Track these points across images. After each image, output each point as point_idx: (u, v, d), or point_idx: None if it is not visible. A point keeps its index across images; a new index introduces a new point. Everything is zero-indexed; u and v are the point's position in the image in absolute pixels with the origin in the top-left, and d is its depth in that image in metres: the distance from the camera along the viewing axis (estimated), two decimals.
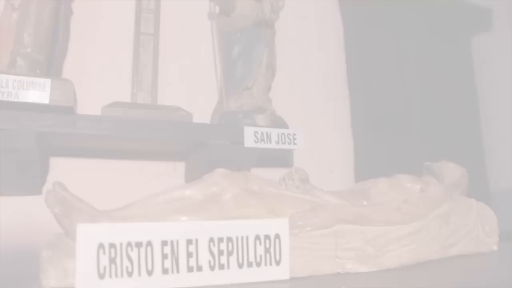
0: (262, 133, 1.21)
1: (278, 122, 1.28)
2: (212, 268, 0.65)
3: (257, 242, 0.68)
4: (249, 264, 0.67)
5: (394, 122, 2.12)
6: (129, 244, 0.58)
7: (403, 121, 2.14)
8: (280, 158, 1.50)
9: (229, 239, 0.65)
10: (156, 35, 1.31)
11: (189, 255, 0.62)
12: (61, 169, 1.23)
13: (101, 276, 0.57)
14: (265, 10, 1.34)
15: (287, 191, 0.78)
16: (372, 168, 1.89)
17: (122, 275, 0.59)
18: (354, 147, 1.76)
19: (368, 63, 2.07)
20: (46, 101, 0.98)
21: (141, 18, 1.30)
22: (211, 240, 0.64)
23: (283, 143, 1.25)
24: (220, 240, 0.64)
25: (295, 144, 1.27)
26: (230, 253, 0.66)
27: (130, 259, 0.58)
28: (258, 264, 0.68)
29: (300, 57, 1.68)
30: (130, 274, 0.59)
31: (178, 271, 0.62)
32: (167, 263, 0.61)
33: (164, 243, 0.60)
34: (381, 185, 0.96)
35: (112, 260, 0.57)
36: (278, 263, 0.70)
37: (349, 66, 1.84)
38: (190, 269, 0.63)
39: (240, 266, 0.67)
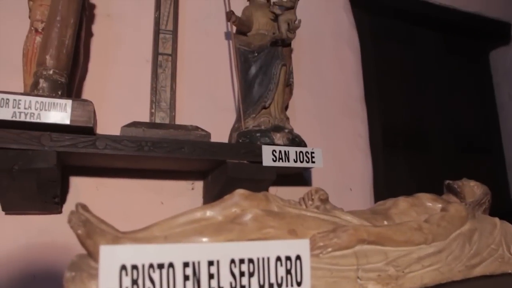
0: (280, 152, 1.21)
1: (296, 141, 1.28)
2: None
3: (278, 263, 0.67)
4: (271, 286, 0.67)
5: (413, 139, 2.11)
6: (151, 265, 0.58)
7: (422, 138, 2.13)
8: (299, 177, 1.50)
9: (251, 261, 0.65)
10: (174, 56, 1.32)
11: (211, 276, 0.62)
12: (81, 188, 1.25)
13: None
14: (282, 29, 1.35)
15: (307, 212, 0.78)
16: (391, 186, 1.88)
17: None
18: (373, 164, 1.74)
19: (386, 80, 2.07)
20: (67, 121, 0.99)
21: (159, 39, 1.32)
22: (233, 261, 0.63)
23: (301, 162, 1.24)
24: (242, 261, 0.64)
25: (313, 162, 1.26)
26: (251, 275, 0.65)
27: (152, 281, 0.58)
28: (280, 286, 0.67)
29: (317, 75, 1.68)
30: None
31: None
32: (189, 285, 0.61)
33: (186, 264, 0.60)
34: (402, 204, 0.94)
35: (134, 282, 0.57)
36: (299, 284, 0.69)
37: (366, 83, 1.83)
38: None
39: (262, 287, 0.66)
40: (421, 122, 2.17)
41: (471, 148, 2.26)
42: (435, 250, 0.87)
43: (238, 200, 0.70)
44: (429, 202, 0.98)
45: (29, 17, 1.15)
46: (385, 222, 0.89)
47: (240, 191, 0.72)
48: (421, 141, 2.15)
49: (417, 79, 2.23)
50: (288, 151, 1.23)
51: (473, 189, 1.05)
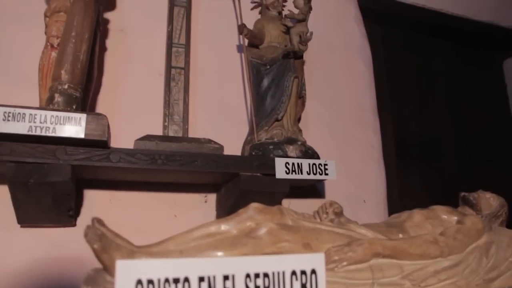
0: (293, 164, 1.21)
1: (309, 153, 1.28)
2: None
3: (294, 277, 0.67)
4: None
5: (427, 149, 2.09)
6: (166, 280, 0.58)
7: (435, 149, 2.11)
8: (312, 189, 1.49)
9: (266, 275, 0.64)
10: (187, 69, 1.33)
11: None
12: (95, 201, 1.26)
13: None
14: (294, 41, 1.35)
15: (321, 225, 0.77)
16: (404, 197, 1.86)
17: None
18: (386, 176, 1.73)
19: (398, 90, 2.06)
20: (81, 135, 1.00)
21: (172, 52, 1.33)
22: (248, 275, 0.63)
23: (315, 174, 1.24)
24: (257, 275, 0.63)
25: (326, 174, 1.26)
26: None
27: None
28: None
29: (329, 87, 1.68)
30: None
31: None
32: None
33: (201, 279, 0.60)
34: (417, 217, 0.94)
35: None
36: None
37: (378, 93, 1.83)
38: None
39: None
40: (434, 132, 2.15)
41: (486, 159, 2.24)
42: (452, 263, 0.86)
43: (253, 214, 0.70)
44: (444, 215, 0.97)
45: (45, 33, 1.17)
46: (400, 235, 0.88)
47: (254, 205, 0.72)
48: (435, 151, 2.13)
49: (429, 89, 2.22)
50: (301, 164, 1.22)
51: (489, 201, 1.04)
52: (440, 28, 2.26)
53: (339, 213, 0.83)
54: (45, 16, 1.18)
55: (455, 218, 0.96)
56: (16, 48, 1.29)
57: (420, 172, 2.04)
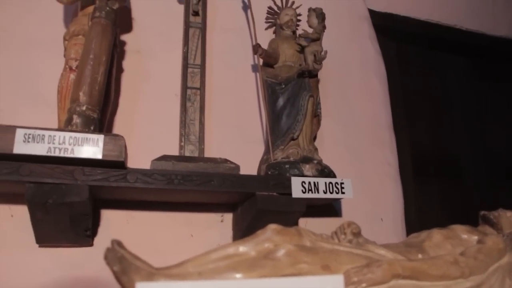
0: (309, 183, 1.21)
1: (325, 171, 1.27)
2: None
3: None
4: None
5: (444, 166, 2.07)
6: None
7: (454, 165, 2.09)
8: (328, 207, 1.48)
9: None
10: (202, 89, 1.34)
11: None
12: (112, 221, 1.26)
13: None
14: (308, 60, 1.36)
15: (340, 246, 0.76)
16: (422, 215, 1.84)
17: None
18: (404, 193, 1.71)
19: (414, 107, 2.05)
20: (99, 156, 1.01)
21: (188, 73, 1.35)
22: None
23: (331, 193, 1.23)
24: None
25: (343, 193, 1.25)
26: None
27: None
28: None
29: (345, 105, 1.68)
30: None
31: None
32: None
33: None
34: (436, 236, 0.92)
35: None
36: None
37: (394, 110, 1.82)
38: None
39: None
40: (452, 148, 2.13)
41: (507, 175, 2.20)
42: (473, 284, 0.84)
43: (271, 235, 0.70)
44: (464, 234, 0.95)
45: (64, 55, 1.19)
46: (420, 256, 0.86)
47: (272, 226, 0.71)
48: (453, 168, 2.10)
49: (446, 105, 2.21)
50: (317, 183, 1.22)
51: (510, 219, 1.02)
52: (456, 43, 2.25)
53: (357, 234, 0.82)
54: (64, 39, 1.21)
55: (476, 237, 0.94)
56: (35, 70, 1.31)
57: (438, 189, 2.01)
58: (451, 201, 2.00)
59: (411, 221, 1.72)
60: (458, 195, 2.02)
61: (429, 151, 2.08)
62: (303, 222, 1.42)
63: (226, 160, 1.23)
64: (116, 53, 1.24)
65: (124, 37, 1.43)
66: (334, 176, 1.29)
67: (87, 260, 1.19)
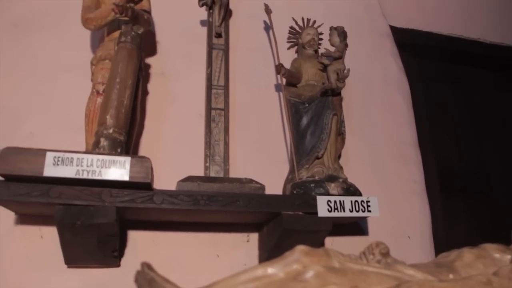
0: (335, 202, 1.20)
1: (351, 190, 1.26)
2: None
3: None
4: None
5: (472, 181, 2.03)
6: None
7: (482, 180, 2.05)
8: (355, 226, 1.46)
9: None
10: (226, 110, 1.36)
11: None
12: (138, 242, 1.27)
13: None
14: (331, 79, 1.36)
15: (369, 267, 0.75)
16: (451, 232, 1.80)
17: None
18: (431, 210, 1.68)
19: (439, 122, 2.03)
20: (126, 178, 1.03)
21: (212, 94, 1.36)
22: None
23: (357, 211, 1.22)
24: None
25: (369, 211, 1.24)
26: None
27: None
28: None
29: (369, 122, 1.68)
30: None
31: None
32: None
33: None
34: (467, 256, 0.90)
35: None
36: None
37: (419, 126, 1.80)
38: None
39: None
40: (479, 163, 2.09)
41: None
42: None
43: (299, 257, 0.69)
44: (496, 253, 0.92)
45: (91, 80, 1.22)
46: (451, 276, 0.84)
47: (300, 247, 0.71)
48: (481, 183, 2.06)
49: (471, 119, 2.17)
50: (343, 201, 1.21)
51: None
52: (479, 57, 2.22)
53: (386, 254, 0.80)
54: (91, 64, 1.24)
55: (509, 257, 0.91)
56: (64, 95, 1.35)
57: (466, 205, 1.97)
58: (480, 217, 1.95)
59: (440, 238, 1.68)
60: (487, 211, 1.98)
61: (456, 167, 2.05)
62: (329, 241, 1.41)
63: (251, 180, 1.23)
64: (141, 76, 1.26)
65: (149, 60, 1.46)
66: (360, 195, 1.27)
67: (114, 281, 1.20)
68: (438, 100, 2.11)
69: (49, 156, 0.99)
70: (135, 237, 1.27)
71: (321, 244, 1.36)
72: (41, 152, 0.99)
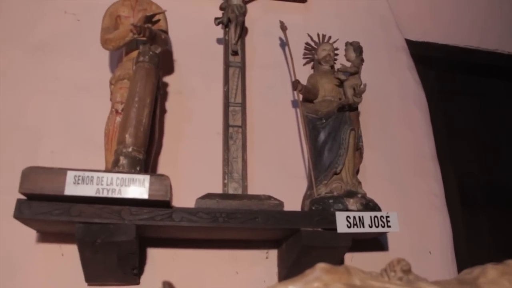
0: (354, 218, 1.19)
1: (370, 205, 1.25)
2: None
3: None
4: None
5: (494, 194, 1.99)
6: None
7: (503, 193, 2.01)
8: (374, 241, 1.45)
9: None
10: (244, 127, 1.36)
11: None
12: (158, 259, 1.28)
13: None
14: (348, 94, 1.36)
15: (390, 284, 0.74)
16: (473, 247, 1.77)
17: None
18: (452, 224, 1.65)
19: (458, 135, 2.01)
20: (145, 196, 1.03)
21: (229, 111, 1.37)
22: None
23: (377, 227, 1.21)
24: None
25: (389, 226, 1.22)
26: None
27: None
28: None
29: (386, 136, 1.67)
30: None
31: None
32: None
33: None
34: (491, 272, 0.88)
35: None
36: None
37: (437, 140, 1.78)
38: None
39: None
40: (500, 176, 2.06)
41: None
42: None
43: (320, 274, 0.69)
44: None
45: (110, 99, 1.25)
46: None
47: (321, 265, 0.70)
48: (504, 196, 2.02)
49: (491, 131, 2.15)
50: (362, 217, 1.20)
51: None
52: (498, 68, 2.20)
53: (408, 271, 0.79)
54: (110, 83, 1.27)
55: None
56: (84, 114, 1.38)
57: (488, 219, 1.94)
58: (503, 232, 1.91)
59: (462, 254, 1.65)
60: (510, 225, 1.94)
61: (476, 180, 2.02)
62: (349, 257, 1.40)
63: (269, 197, 1.23)
64: (159, 95, 1.28)
65: (167, 79, 1.48)
66: (379, 210, 1.26)
67: None
68: (456, 112, 2.10)
69: (70, 175, 1.01)
70: (154, 254, 1.28)
71: (341, 260, 1.35)
72: (62, 171, 1.01)
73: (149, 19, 1.26)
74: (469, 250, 1.77)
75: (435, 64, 2.08)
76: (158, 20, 1.32)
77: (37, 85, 1.40)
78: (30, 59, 1.43)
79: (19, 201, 1.00)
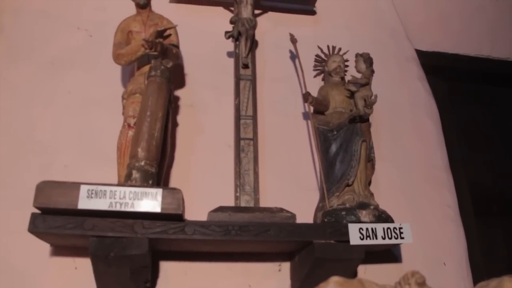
0: (367, 229, 1.18)
1: (382, 217, 1.25)
2: None
3: None
4: None
5: (509, 204, 1.97)
6: None
7: None
8: (387, 253, 1.44)
9: None
10: (255, 140, 1.37)
11: None
12: (170, 272, 1.28)
13: None
14: (359, 105, 1.36)
15: None
16: (489, 258, 1.75)
17: None
18: (466, 235, 1.63)
19: (471, 145, 1.99)
20: (158, 209, 1.04)
21: (240, 124, 1.38)
22: None
23: (390, 238, 1.20)
24: None
25: (402, 238, 1.21)
26: None
27: None
28: None
29: (398, 147, 1.66)
30: None
31: None
32: None
33: None
34: (508, 285, 0.87)
35: None
36: None
37: (450, 150, 1.77)
38: None
39: None
40: None
41: None
42: None
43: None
44: None
45: (123, 113, 1.26)
46: None
47: (334, 278, 0.70)
48: None
49: (504, 141, 2.13)
50: (375, 228, 1.19)
51: None
52: (509, 76, 2.19)
53: (422, 283, 0.79)
54: (123, 98, 1.28)
55: None
56: (96, 128, 1.40)
57: (503, 230, 1.91)
58: None
59: (477, 265, 1.63)
60: None
61: (490, 190, 2.00)
62: (362, 269, 1.39)
63: (282, 209, 1.23)
64: (171, 109, 1.29)
65: (178, 92, 1.50)
66: (392, 221, 1.26)
67: None
68: (469, 122, 2.08)
69: (83, 189, 1.02)
70: (167, 268, 1.28)
71: (354, 273, 1.34)
72: (76, 186, 1.02)
73: (161, 34, 1.27)
74: (485, 262, 1.75)
75: (446, 73, 2.07)
76: (170, 35, 1.34)
77: (51, 100, 1.42)
78: (44, 74, 1.46)
79: (33, 215, 1.00)
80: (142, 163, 1.11)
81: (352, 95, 1.39)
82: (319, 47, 1.56)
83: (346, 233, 1.17)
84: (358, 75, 1.41)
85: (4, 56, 1.46)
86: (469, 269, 1.58)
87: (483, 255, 1.78)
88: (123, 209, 1.02)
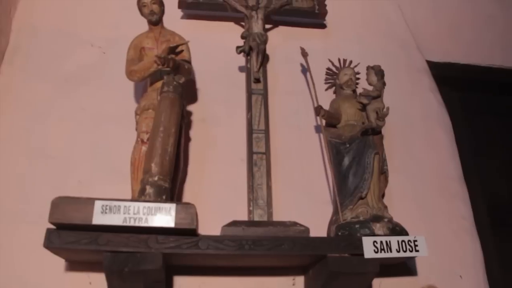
0: (381, 242, 1.17)
1: (396, 229, 1.24)
2: None
3: None
4: None
5: None
6: None
7: None
8: (402, 266, 1.42)
9: None
10: (268, 153, 1.37)
11: None
12: (184, 287, 1.27)
13: None
14: (371, 118, 1.36)
15: None
16: (507, 271, 1.72)
17: None
18: (482, 247, 1.60)
19: (485, 155, 1.97)
20: (171, 224, 1.04)
21: (253, 138, 1.38)
22: None
23: (405, 251, 1.19)
24: None
25: (417, 251, 1.20)
26: None
27: None
28: None
29: (411, 159, 1.65)
30: None
31: None
32: None
33: None
34: None
35: None
36: None
37: (463, 161, 1.75)
38: None
39: None
40: None
41: None
42: None
43: None
44: None
45: (136, 129, 1.27)
46: None
47: None
48: None
49: None
50: (389, 241, 1.18)
51: None
52: None
53: None
54: (136, 114, 1.30)
55: None
56: (110, 144, 1.41)
57: None
58: None
59: (495, 278, 1.60)
60: None
61: (507, 201, 1.97)
62: (377, 282, 1.37)
63: (295, 223, 1.23)
64: (183, 124, 1.30)
65: (190, 107, 1.51)
66: (407, 234, 1.25)
67: None
68: (482, 132, 2.06)
69: (98, 205, 1.02)
70: (181, 283, 1.28)
71: (369, 286, 1.33)
72: (90, 201, 1.03)
73: (173, 50, 1.29)
74: (503, 274, 1.71)
75: (458, 84, 2.06)
76: (182, 51, 1.36)
77: (65, 116, 1.45)
78: (58, 91, 1.49)
79: (48, 231, 1.02)
80: (156, 178, 1.12)
81: (364, 107, 1.39)
82: (330, 60, 1.57)
83: (360, 246, 1.16)
84: (370, 88, 1.41)
85: (20, 73, 1.49)
86: (487, 282, 1.56)
87: (500, 267, 1.75)
88: (137, 224, 1.03)
